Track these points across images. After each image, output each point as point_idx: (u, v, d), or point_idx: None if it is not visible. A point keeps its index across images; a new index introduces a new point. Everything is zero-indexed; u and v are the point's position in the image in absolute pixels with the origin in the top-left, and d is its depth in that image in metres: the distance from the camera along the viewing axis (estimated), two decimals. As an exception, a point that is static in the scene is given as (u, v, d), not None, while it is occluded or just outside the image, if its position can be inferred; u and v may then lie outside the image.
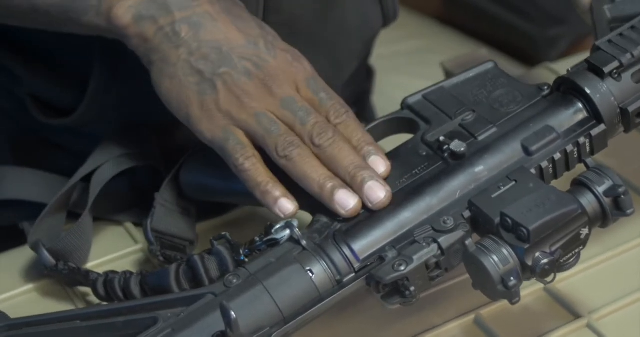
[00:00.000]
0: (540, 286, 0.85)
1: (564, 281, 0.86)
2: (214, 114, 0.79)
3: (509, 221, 0.71)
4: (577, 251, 0.72)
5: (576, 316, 0.82)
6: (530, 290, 0.85)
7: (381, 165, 0.78)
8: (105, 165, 0.90)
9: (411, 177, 0.78)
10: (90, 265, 0.90)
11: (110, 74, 0.91)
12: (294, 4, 0.94)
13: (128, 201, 0.95)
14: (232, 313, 0.68)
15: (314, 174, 0.77)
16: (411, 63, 1.29)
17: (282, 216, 0.77)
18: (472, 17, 1.46)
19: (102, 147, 0.91)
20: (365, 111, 1.13)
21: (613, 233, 0.90)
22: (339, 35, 0.99)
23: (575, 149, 0.78)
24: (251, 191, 0.78)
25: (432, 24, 1.47)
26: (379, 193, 0.76)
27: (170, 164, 0.92)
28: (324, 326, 0.81)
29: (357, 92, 1.11)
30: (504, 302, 0.83)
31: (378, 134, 0.83)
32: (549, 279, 0.72)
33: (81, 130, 0.95)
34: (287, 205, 0.77)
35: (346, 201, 0.76)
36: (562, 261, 0.72)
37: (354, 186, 0.77)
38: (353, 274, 0.74)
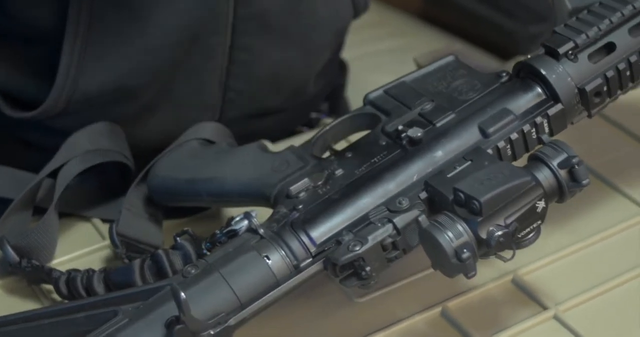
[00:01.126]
0: (508, 277, 0.84)
1: (531, 273, 0.85)
2: None
3: (462, 195, 0.71)
4: (535, 225, 0.72)
5: (543, 307, 0.82)
6: (498, 282, 0.84)
7: None
8: (72, 161, 0.89)
9: (370, 165, 0.78)
10: (57, 261, 0.89)
11: (78, 65, 0.90)
12: None
13: (97, 197, 0.94)
14: (182, 294, 0.68)
15: None
16: (392, 61, 1.28)
17: None
18: (453, 14, 1.45)
19: (69, 143, 0.90)
20: (339, 106, 1.13)
21: (580, 225, 0.89)
22: (310, 27, 0.99)
23: (533, 129, 0.77)
24: None
25: (413, 22, 1.47)
26: None
27: (139, 160, 0.91)
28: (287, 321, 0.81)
29: (330, 85, 1.11)
30: (471, 294, 0.83)
31: (342, 132, 0.84)
32: (507, 255, 0.71)
33: (51, 126, 0.94)
34: None
35: None
36: (520, 236, 0.71)
37: None
38: (310, 259, 0.74)
